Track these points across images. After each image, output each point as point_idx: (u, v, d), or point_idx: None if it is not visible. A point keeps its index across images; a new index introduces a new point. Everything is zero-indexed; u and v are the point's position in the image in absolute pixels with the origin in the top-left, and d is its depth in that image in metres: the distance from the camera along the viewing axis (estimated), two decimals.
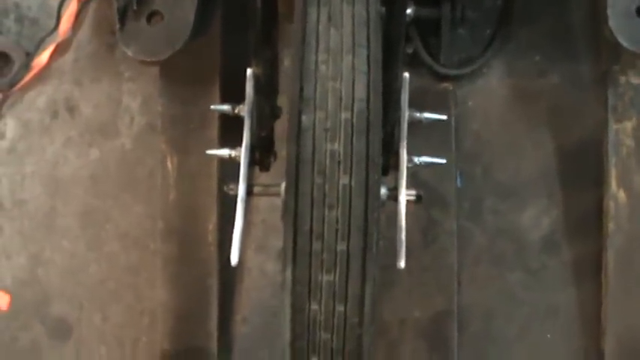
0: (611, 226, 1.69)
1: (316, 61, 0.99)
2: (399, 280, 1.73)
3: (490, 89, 1.84)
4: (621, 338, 1.66)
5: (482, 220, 1.77)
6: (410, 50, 1.78)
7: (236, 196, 1.28)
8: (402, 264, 1.32)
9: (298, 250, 0.98)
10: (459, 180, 1.77)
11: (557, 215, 1.77)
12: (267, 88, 1.32)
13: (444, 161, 1.47)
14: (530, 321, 1.74)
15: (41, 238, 1.80)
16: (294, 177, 0.98)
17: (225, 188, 1.33)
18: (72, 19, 1.88)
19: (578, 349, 1.72)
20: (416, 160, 1.42)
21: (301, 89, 0.99)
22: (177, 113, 1.73)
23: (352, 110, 0.98)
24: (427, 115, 1.45)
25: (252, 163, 1.33)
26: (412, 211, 1.72)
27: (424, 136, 1.70)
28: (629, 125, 1.71)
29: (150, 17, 1.64)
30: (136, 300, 1.78)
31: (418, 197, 1.39)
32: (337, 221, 0.97)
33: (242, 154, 1.30)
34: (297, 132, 0.99)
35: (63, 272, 1.80)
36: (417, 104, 1.49)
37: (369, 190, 0.98)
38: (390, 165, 1.41)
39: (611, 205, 1.69)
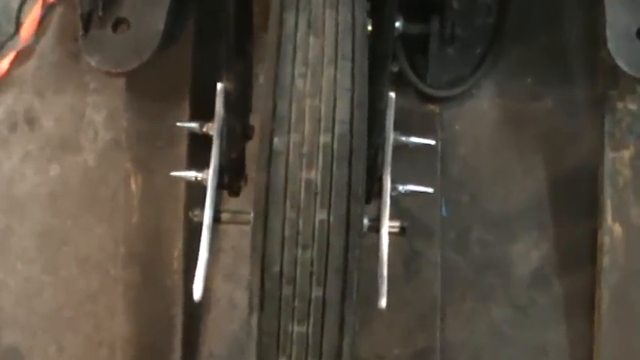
0: (605, 260, 1.57)
1: (292, 75, 0.85)
2: (377, 315, 1.58)
3: (479, 112, 1.71)
4: None
5: (469, 251, 1.64)
6: (395, 69, 1.64)
7: (201, 222, 1.13)
8: (382, 303, 1.18)
9: (266, 295, 0.84)
10: (444, 209, 1.64)
11: (548, 248, 1.64)
12: (239, 105, 1.18)
13: (431, 190, 1.33)
14: None
15: None
16: (263, 210, 0.84)
17: (190, 214, 1.18)
18: (35, 24, 1.73)
19: None
20: (400, 188, 1.29)
21: (274, 107, 0.85)
22: (143, 129, 1.58)
23: (333, 133, 0.84)
24: (414, 139, 1.32)
25: (220, 186, 1.19)
26: (393, 241, 1.60)
27: (408, 161, 1.58)
28: (626, 154, 1.59)
29: (116, 25, 1.50)
30: (95, 330, 1.62)
31: (402, 229, 1.26)
32: (312, 263, 0.83)
33: (209, 177, 1.16)
34: (268, 157, 0.84)
35: (16, 297, 1.64)
36: (401, 126, 1.36)
37: (350, 227, 0.83)
38: (372, 193, 1.26)
39: (606, 239, 1.56)
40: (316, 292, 0.82)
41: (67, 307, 1.63)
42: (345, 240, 0.83)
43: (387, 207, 1.24)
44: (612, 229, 1.56)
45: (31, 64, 1.73)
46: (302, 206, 0.82)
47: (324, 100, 0.84)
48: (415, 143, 1.32)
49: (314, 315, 0.83)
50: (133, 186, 1.57)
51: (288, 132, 0.84)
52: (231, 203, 1.28)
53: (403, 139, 1.30)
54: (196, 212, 1.16)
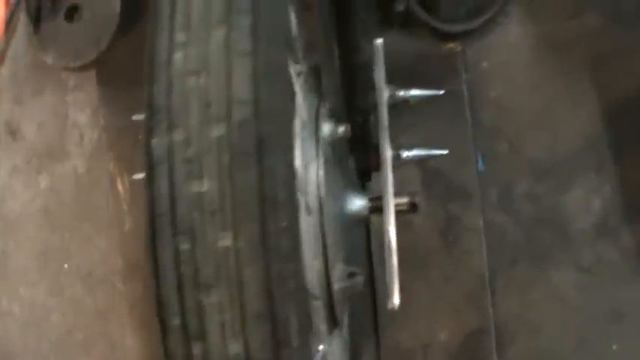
0: None
1: (169, 47, 0.58)
2: (415, 297, 1.30)
3: (509, 43, 1.39)
4: None
5: (516, 209, 1.34)
6: (400, 7, 1.33)
7: None
8: (394, 302, 0.91)
9: (170, 355, 0.57)
10: (480, 163, 1.34)
11: (611, 193, 1.32)
12: None
13: (444, 152, 1.04)
14: (589, 330, 1.29)
15: None
16: (151, 242, 0.57)
17: None
18: (1, 27, 1.50)
19: None
20: (405, 155, 1.00)
21: (149, 96, 0.58)
22: (122, 125, 1.33)
23: (229, 121, 0.56)
24: (415, 92, 1.02)
25: None
26: (424, 209, 1.31)
27: (430, 114, 1.28)
28: None
29: (69, 13, 1.25)
30: (109, 349, 1.40)
31: (412, 206, 0.98)
32: (222, 310, 0.56)
33: None
34: (147, 167, 0.57)
35: (24, 324, 1.44)
36: (418, 75, 1.07)
37: (269, 251, 0.56)
38: (370, 167, 0.99)
39: None
40: (233, 349, 0.56)
41: (77, 328, 1.42)
42: (265, 270, 0.55)
43: (390, 181, 0.96)
44: None
45: (4, 70, 1.50)
46: (196, 232, 0.55)
47: (214, 76, 0.57)
48: (418, 96, 1.03)
49: None
50: (120, 188, 1.33)
51: (169, 129, 0.57)
52: None
53: (401, 93, 1.01)
54: None
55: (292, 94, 0.59)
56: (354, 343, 1.25)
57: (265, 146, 0.56)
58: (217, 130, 0.56)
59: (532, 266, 1.31)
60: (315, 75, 0.99)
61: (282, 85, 0.59)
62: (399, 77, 1.04)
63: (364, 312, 1.28)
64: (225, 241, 0.55)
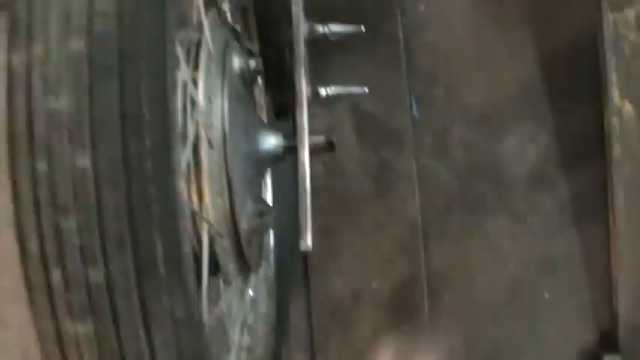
0: (616, 148, 1.22)
1: None
2: (347, 244, 1.28)
3: None
4: (639, 290, 1.23)
5: (450, 156, 1.32)
6: None
7: None
8: (308, 243, 0.89)
9: (32, 284, 0.54)
10: (414, 108, 1.31)
11: (547, 141, 1.31)
12: None
13: (365, 90, 1.01)
14: (521, 279, 1.28)
15: None
16: (10, 163, 0.54)
17: None
18: None
19: (583, 308, 1.26)
20: (323, 92, 0.97)
21: (13, 10, 0.54)
22: None
23: (89, 35, 0.53)
24: (334, 27, 0.99)
25: None
26: (357, 153, 1.29)
27: (364, 56, 1.25)
28: (631, 14, 1.22)
29: None
30: None
31: (329, 144, 0.95)
32: (81, 234, 0.53)
33: None
34: (7, 85, 0.54)
35: None
36: (352, 18, 1.04)
37: (132, 173, 0.53)
38: (286, 104, 0.96)
39: (614, 122, 1.22)
40: (94, 275, 0.53)
41: None
42: (126, 193, 0.52)
43: (304, 117, 0.92)
44: (621, 110, 1.22)
45: None
46: (53, 152, 0.52)
47: None
48: (337, 33, 0.99)
49: (98, 309, 0.54)
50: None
51: (28, 44, 0.53)
52: None
53: (319, 28, 0.97)
54: None
55: (163, 9, 0.55)
56: (281, 291, 1.23)
57: (128, 62, 0.53)
58: (77, 44, 0.53)
59: (466, 215, 1.29)
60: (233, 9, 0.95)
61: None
62: (331, 19, 1.01)
63: (293, 260, 1.26)
64: (83, 161, 0.52)
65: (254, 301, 1.14)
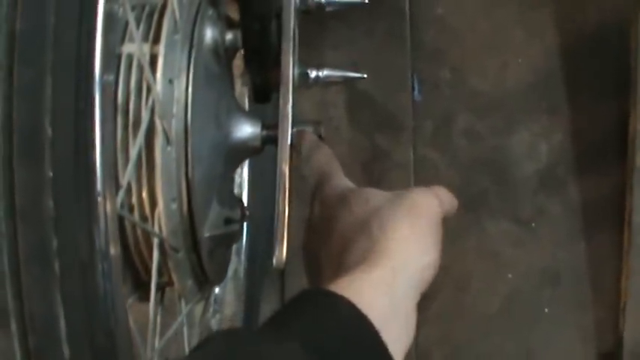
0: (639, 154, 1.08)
1: None
2: None
3: None
4: None
5: (452, 147, 1.18)
6: None
7: None
8: (282, 259, 0.74)
9: None
10: (416, 91, 1.16)
11: (561, 140, 1.17)
12: None
13: (363, 75, 0.86)
14: (519, 290, 1.15)
15: None
16: None
17: None
18: None
19: (585, 327, 1.15)
20: (313, 74, 0.82)
21: None
22: None
23: None
24: None
25: None
26: (348, 138, 1.14)
27: (364, 30, 1.10)
28: None
29: None
30: None
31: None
32: None
33: None
34: None
35: None
36: None
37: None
38: (269, 85, 0.80)
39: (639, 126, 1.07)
40: None
41: None
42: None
43: (289, 105, 0.76)
44: None
45: None
46: None
47: None
48: (337, 2, 0.83)
49: None
50: None
51: None
52: None
53: None
54: None
55: None
56: (252, 290, 1.09)
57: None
58: None
59: (465, 214, 1.15)
60: None
61: None
62: None
63: (267, 256, 1.12)
64: None
65: (220, 302, 1.00)
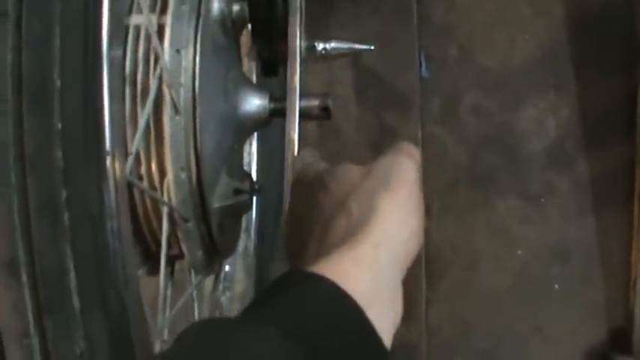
0: None
1: None
2: None
3: None
4: None
5: (460, 124, 1.16)
6: None
7: None
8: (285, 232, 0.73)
9: None
10: (424, 67, 1.15)
11: (569, 115, 1.15)
12: None
13: (370, 47, 0.85)
14: (529, 267, 1.14)
15: None
16: None
17: None
18: None
19: (595, 303, 1.13)
20: (321, 46, 0.81)
21: None
22: None
23: None
24: None
25: None
26: (355, 116, 1.13)
27: (369, 4, 1.09)
28: None
29: None
30: None
31: (323, 110, 0.80)
32: None
33: None
34: None
35: None
36: None
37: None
38: (276, 58, 0.80)
39: None
40: None
41: None
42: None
43: (296, 77, 0.76)
44: None
45: None
46: None
47: None
48: None
49: None
50: None
51: None
52: None
53: None
54: None
55: None
56: (262, 267, 1.09)
57: None
58: None
59: (474, 191, 1.14)
60: None
61: None
62: None
63: (278, 231, 1.11)
64: None
65: (230, 279, 1.00)
